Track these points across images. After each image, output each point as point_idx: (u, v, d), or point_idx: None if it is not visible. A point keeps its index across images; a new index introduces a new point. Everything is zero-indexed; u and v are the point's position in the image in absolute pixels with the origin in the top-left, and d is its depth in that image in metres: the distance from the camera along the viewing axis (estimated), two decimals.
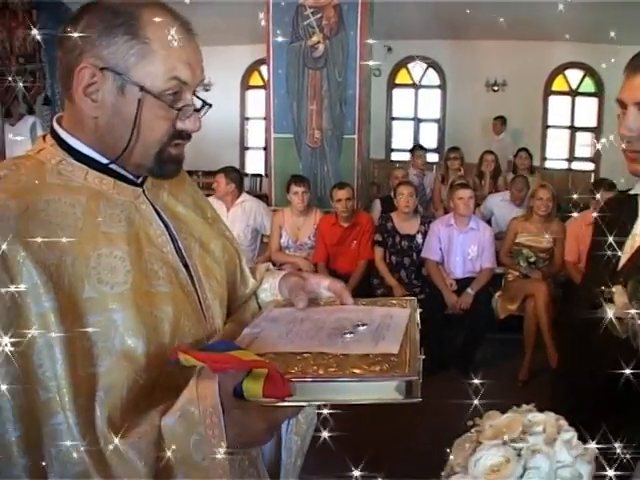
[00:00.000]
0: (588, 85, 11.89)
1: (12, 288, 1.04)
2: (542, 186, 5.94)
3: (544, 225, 5.76)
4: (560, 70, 11.79)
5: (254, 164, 12.63)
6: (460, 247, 5.78)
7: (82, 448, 1.04)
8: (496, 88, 11.61)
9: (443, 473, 1.05)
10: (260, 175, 11.99)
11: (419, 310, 1.42)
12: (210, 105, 1.30)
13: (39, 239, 1.09)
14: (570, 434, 1.00)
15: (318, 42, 6.70)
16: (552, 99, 11.98)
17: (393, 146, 12.51)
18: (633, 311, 1.54)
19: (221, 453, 1.06)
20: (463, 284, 5.68)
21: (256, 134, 12.58)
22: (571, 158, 12.09)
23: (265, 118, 7.51)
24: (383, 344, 1.19)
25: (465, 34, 10.67)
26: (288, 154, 6.96)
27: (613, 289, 1.62)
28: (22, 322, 1.05)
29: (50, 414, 1.05)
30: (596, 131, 11.79)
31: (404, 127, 12.60)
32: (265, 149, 11.75)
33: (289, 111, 6.90)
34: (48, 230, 1.11)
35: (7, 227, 1.06)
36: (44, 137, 1.28)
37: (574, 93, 12.01)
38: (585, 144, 12.11)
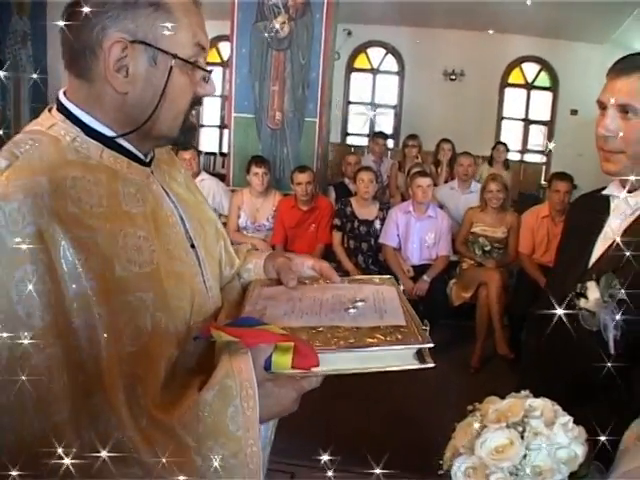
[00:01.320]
0: (543, 79, 12.09)
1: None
2: (493, 178, 6.02)
3: (499, 216, 5.88)
4: (517, 63, 11.95)
5: (208, 142, 12.51)
6: (417, 234, 5.87)
7: (126, 427, 1.06)
8: (453, 77, 11.70)
9: (446, 453, 1.11)
10: (214, 153, 11.90)
11: (401, 287, 1.50)
12: (211, 71, 1.31)
13: (72, 217, 1.08)
14: (566, 418, 1.07)
15: (283, 23, 6.65)
16: (508, 91, 12.15)
17: (349, 130, 12.53)
18: None
19: (255, 424, 1.12)
20: (419, 271, 5.77)
21: (211, 112, 12.45)
22: (524, 150, 12.30)
23: (223, 96, 7.43)
24: (388, 317, 1.27)
25: (426, 22, 10.73)
26: (248, 134, 6.92)
27: (587, 284, 1.70)
28: (61, 303, 1.04)
29: (90, 395, 1.05)
30: (549, 125, 12.06)
31: (361, 111, 12.59)
32: (220, 127, 11.68)
33: (250, 91, 6.85)
34: (79, 208, 1.10)
35: (42, 205, 1.04)
36: (49, 109, 1.26)
37: (529, 86, 12.20)
38: (538, 137, 12.34)
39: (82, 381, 1.05)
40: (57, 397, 1.02)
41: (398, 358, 1.17)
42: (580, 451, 1.04)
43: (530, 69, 12.13)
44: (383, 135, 8.88)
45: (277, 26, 6.60)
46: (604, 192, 1.87)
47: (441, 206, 6.39)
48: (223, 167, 7.89)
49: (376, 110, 12.51)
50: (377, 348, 1.16)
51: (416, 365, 1.16)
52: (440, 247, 5.86)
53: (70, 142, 1.20)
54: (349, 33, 11.20)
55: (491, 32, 10.14)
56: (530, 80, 12.19)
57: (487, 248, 5.86)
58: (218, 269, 1.51)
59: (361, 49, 12.22)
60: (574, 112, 11.23)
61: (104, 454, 1.03)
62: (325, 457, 1.29)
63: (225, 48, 9.30)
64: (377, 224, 5.99)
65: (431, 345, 1.16)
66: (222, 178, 7.02)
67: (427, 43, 11.27)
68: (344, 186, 7.30)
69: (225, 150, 7.09)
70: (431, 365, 1.15)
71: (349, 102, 12.48)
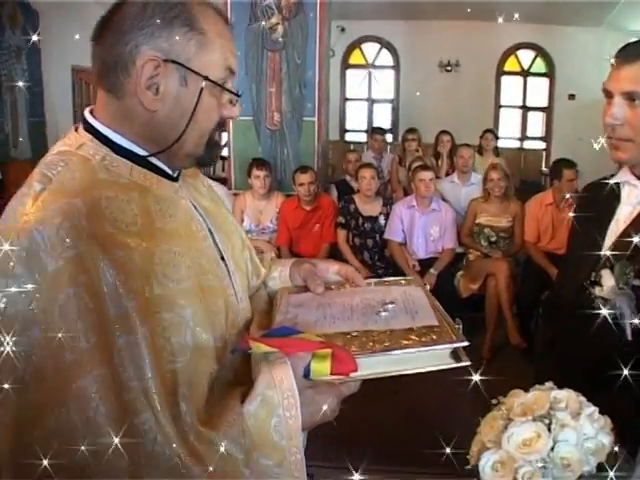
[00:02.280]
0: (539, 66, 12.05)
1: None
2: (493, 167, 6.03)
3: (502, 205, 5.88)
4: (512, 51, 11.91)
5: None
6: (422, 228, 5.87)
7: (174, 444, 1.05)
8: (449, 68, 11.68)
9: (473, 448, 1.11)
10: None
11: (427, 286, 1.51)
12: (240, 95, 1.32)
13: (110, 238, 1.09)
14: (592, 409, 1.07)
15: (277, 23, 6.64)
16: (504, 79, 12.12)
17: (347, 127, 12.50)
18: None
19: (298, 432, 1.13)
20: (426, 264, 5.78)
21: None
22: (523, 137, 12.29)
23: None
24: (420, 318, 1.29)
25: (418, 14, 10.72)
26: (247, 137, 6.91)
27: (601, 272, 1.70)
28: (104, 323, 1.04)
29: (135, 414, 1.04)
30: (547, 111, 12.03)
31: (358, 108, 12.57)
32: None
33: (248, 93, 6.83)
34: (115, 227, 1.11)
35: (79, 227, 1.05)
36: (76, 129, 1.27)
37: (526, 73, 12.16)
38: (537, 123, 12.31)
39: (127, 400, 1.04)
40: (106, 418, 1.02)
41: (435, 358, 1.18)
42: (607, 441, 1.04)
43: (526, 56, 12.09)
44: (381, 130, 8.85)
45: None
46: (614, 179, 1.87)
47: (443, 199, 6.38)
48: (223, 171, 7.87)
49: (373, 105, 12.49)
50: (413, 350, 1.17)
51: (453, 364, 1.18)
52: (445, 240, 5.86)
53: (100, 161, 1.20)
54: (342, 30, 11.16)
55: (500, 20, 10.09)
56: (526, 67, 12.15)
57: (493, 239, 5.86)
58: (246, 280, 1.52)
59: (355, 45, 12.20)
60: (572, 97, 11.22)
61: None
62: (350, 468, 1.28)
63: None
64: (381, 220, 5.99)
65: (466, 343, 1.18)
66: (223, 182, 7.01)
67: (421, 35, 11.27)
68: (346, 184, 7.29)
69: (225, 154, 7.06)
70: (467, 363, 1.18)
71: (346, 99, 12.46)
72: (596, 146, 1.75)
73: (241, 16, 6.66)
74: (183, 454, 1.06)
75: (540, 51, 11.88)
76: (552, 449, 1.01)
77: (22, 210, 1.08)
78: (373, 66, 12.44)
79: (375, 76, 12.43)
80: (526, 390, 1.18)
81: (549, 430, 1.03)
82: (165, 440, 1.05)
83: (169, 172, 1.31)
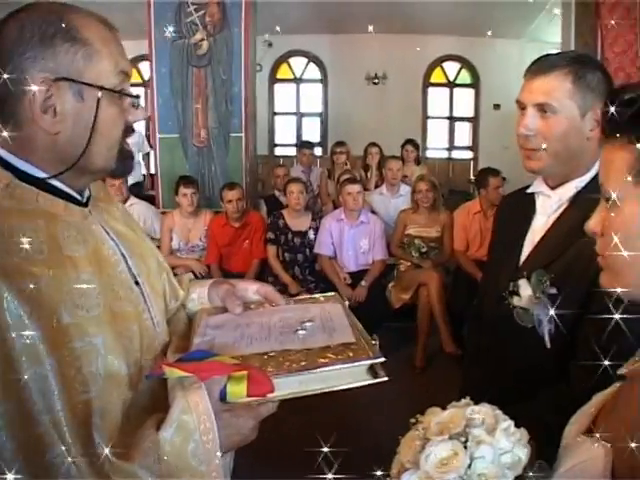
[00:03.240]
0: (464, 77, 12.36)
1: None
2: (421, 178, 6.12)
3: (431, 215, 5.96)
4: (437, 63, 12.17)
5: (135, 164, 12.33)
6: (352, 241, 5.89)
7: (88, 477, 1.02)
8: (376, 81, 11.83)
9: (393, 470, 1.10)
10: (143, 175, 11.74)
11: (346, 302, 1.52)
12: (138, 96, 1.29)
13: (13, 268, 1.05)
14: (507, 423, 1.07)
15: (202, 39, 6.61)
16: (431, 91, 12.35)
17: (276, 141, 12.51)
18: None
19: (216, 456, 1.11)
20: (357, 277, 5.80)
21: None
22: (451, 147, 12.53)
23: (147, 117, 7.33)
24: (337, 335, 1.29)
25: (345, 28, 10.84)
26: (174, 155, 6.84)
27: (519, 282, 1.73)
28: (9, 356, 1.00)
29: (46, 448, 1.01)
30: (474, 121, 12.31)
31: (287, 122, 12.61)
32: (147, 151, 11.51)
33: (174, 110, 6.77)
34: (19, 257, 1.07)
35: None
36: None
37: (452, 84, 12.44)
38: (464, 133, 12.57)
39: (38, 435, 1.00)
40: (14, 454, 0.99)
41: (351, 375, 1.19)
42: (523, 454, 1.04)
43: (451, 68, 12.37)
44: (309, 144, 8.90)
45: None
46: (529, 190, 1.92)
47: (373, 211, 6.43)
48: (152, 188, 7.76)
49: (302, 119, 12.54)
50: (329, 368, 1.17)
51: (370, 380, 1.19)
52: (375, 252, 5.89)
53: (4, 188, 1.16)
54: (270, 44, 11.20)
55: (489, 33, 10.21)
56: (452, 78, 12.44)
57: (424, 249, 5.92)
58: (163, 303, 1.49)
59: (283, 59, 12.26)
60: (497, 106, 11.48)
61: None
62: None
63: (145, 68, 9.18)
64: (311, 234, 5.99)
65: (382, 360, 1.18)
66: (151, 200, 6.92)
67: (348, 49, 11.40)
68: (275, 199, 7.29)
69: (153, 171, 6.98)
70: (384, 379, 1.18)
71: (274, 113, 12.47)
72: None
73: (165, 33, 6.60)
74: None
75: (465, 63, 12.18)
76: (469, 466, 1.01)
77: None
78: (301, 80, 12.49)
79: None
80: (457, 398, 1.18)
81: (465, 447, 1.02)
82: (79, 474, 1.02)
83: (77, 197, 1.27)
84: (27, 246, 1.09)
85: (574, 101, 1.68)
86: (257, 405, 1.17)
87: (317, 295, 1.65)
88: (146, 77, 9.56)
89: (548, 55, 1.77)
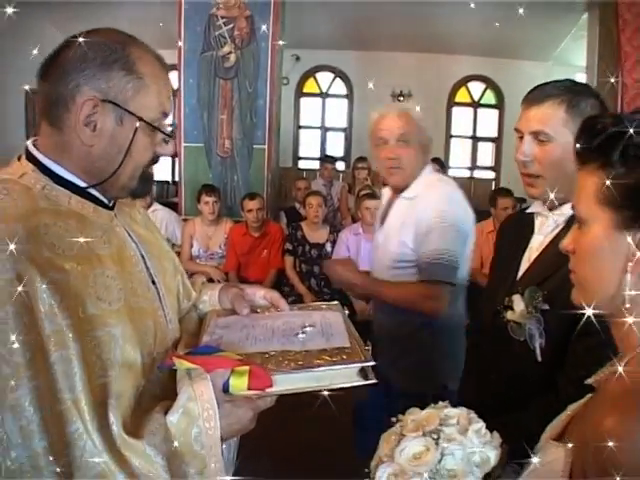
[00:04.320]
0: (489, 97, 12.39)
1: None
2: None
3: None
4: (463, 82, 12.21)
5: (160, 171, 12.51)
6: (368, 255, 5.95)
7: (102, 451, 1.13)
8: (402, 99, 11.84)
9: (372, 463, 1.19)
10: (167, 182, 11.90)
11: (346, 311, 1.63)
12: (171, 135, 1.44)
13: (48, 261, 1.18)
14: (479, 425, 1.16)
15: (230, 52, 6.76)
16: (455, 110, 12.39)
17: (300, 154, 12.62)
18: None
19: (217, 443, 1.23)
20: None
21: None
22: (473, 167, 12.55)
23: (173, 125, 7.46)
24: (334, 340, 1.40)
25: (372, 45, 10.93)
26: (198, 163, 6.99)
27: (513, 297, 1.82)
28: (40, 340, 1.12)
29: (67, 423, 1.12)
30: (497, 141, 12.33)
31: (311, 136, 12.73)
32: (172, 156, 11.70)
33: (199, 120, 6.93)
34: (52, 252, 1.20)
35: (19, 251, 1.13)
36: (19, 158, 1.36)
37: (476, 104, 12.47)
38: (487, 154, 12.59)
39: (60, 411, 1.12)
40: (39, 427, 1.11)
41: (344, 376, 1.29)
42: (493, 455, 1.13)
43: (476, 88, 12.40)
44: (331, 159, 9.04)
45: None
46: (528, 210, 1.99)
47: None
48: (176, 195, 7.92)
49: (326, 133, 12.63)
50: (324, 368, 1.27)
51: (360, 382, 1.29)
52: None
53: (40, 190, 1.30)
54: (297, 58, 11.31)
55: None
56: (476, 98, 12.46)
57: None
58: (176, 303, 1.62)
59: (310, 74, 12.35)
60: None
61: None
62: None
63: (174, 77, 9.37)
64: (328, 247, 6.08)
65: (372, 363, 1.28)
66: (174, 207, 7.05)
67: (374, 66, 11.43)
68: (295, 211, 7.41)
69: (177, 178, 7.13)
70: (373, 381, 1.27)
71: (299, 126, 12.57)
72: None
73: (194, 45, 6.79)
74: (109, 461, 1.14)
75: (490, 83, 12.19)
76: (440, 462, 1.10)
77: None
78: (327, 95, 12.60)
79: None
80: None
81: (437, 444, 1.11)
82: (93, 448, 1.13)
83: (105, 201, 1.41)
84: (59, 243, 1.23)
85: (568, 128, 1.75)
86: (257, 398, 1.27)
87: (319, 303, 1.77)
88: (175, 87, 9.75)
89: (544, 84, 1.86)
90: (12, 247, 1.12)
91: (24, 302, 1.11)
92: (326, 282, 6.05)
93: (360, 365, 1.30)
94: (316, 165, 11.78)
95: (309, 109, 12.65)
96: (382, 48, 11.06)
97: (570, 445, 1.06)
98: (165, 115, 1.39)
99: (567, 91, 1.80)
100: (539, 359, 1.74)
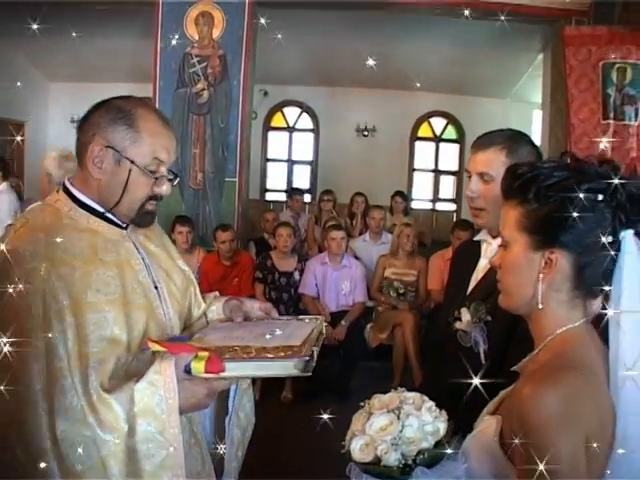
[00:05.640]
0: (450, 132, 12.79)
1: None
2: (407, 225, 6.64)
3: (409, 261, 6.44)
4: (425, 118, 12.59)
5: None
6: (334, 283, 6.30)
7: (82, 400, 1.53)
8: (366, 133, 12.19)
9: (347, 438, 1.50)
10: None
11: (324, 324, 1.94)
12: (178, 175, 1.87)
13: (59, 259, 1.61)
14: (430, 403, 1.49)
15: (203, 89, 7.06)
16: (418, 144, 12.76)
17: (268, 186, 12.84)
18: None
19: (176, 411, 1.57)
20: (338, 317, 6.18)
21: None
22: (435, 199, 12.93)
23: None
24: (290, 340, 1.67)
25: (338, 82, 11.25)
26: (171, 195, 7.09)
27: (461, 310, 2.14)
28: (47, 314, 1.54)
29: (61, 376, 1.52)
30: (458, 174, 12.70)
31: (278, 168, 12.97)
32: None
33: None
34: (65, 253, 1.63)
35: (40, 252, 1.58)
36: (57, 191, 1.80)
37: (438, 139, 12.86)
38: (448, 186, 12.99)
39: (57, 367, 1.52)
40: (41, 375, 1.50)
41: (283, 368, 1.57)
42: (442, 426, 1.45)
43: (438, 123, 12.78)
44: (299, 191, 9.37)
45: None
46: (476, 238, 2.32)
47: (356, 257, 6.83)
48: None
49: (293, 166, 12.90)
50: (266, 359, 1.55)
51: (295, 374, 1.55)
52: (356, 294, 6.32)
53: (67, 212, 1.74)
54: (265, 93, 11.51)
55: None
56: (438, 133, 12.84)
57: (401, 291, 6.37)
58: (180, 307, 1.96)
59: (277, 108, 12.59)
60: None
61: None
62: None
63: None
64: (296, 275, 6.41)
65: (306, 359, 1.54)
66: None
67: (340, 101, 11.74)
68: (264, 241, 7.68)
69: None
70: (308, 374, 1.55)
71: (267, 159, 12.79)
72: None
73: (169, 82, 7.10)
74: (85, 406, 1.52)
75: (451, 119, 12.60)
76: (401, 432, 1.42)
77: (7, 239, 1.62)
78: (294, 129, 12.88)
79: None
80: None
81: (398, 418, 1.43)
82: (77, 395, 1.52)
83: (119, 222, 1.80)
84: (72, 248, 1.64)
85: None
86: (212, 380, 1.59)
87: (305, 317, 2.07)
88: None
89: (488, 133, 2.17)
90: (34, 247, 1.58)
91: (37, 286, 1.53)
92: (294, 308, 6.34)
93: (295, 360, 1.55)
94: (282, 197, 12.05)
95: (276, 143, 12.89)
96: (347, 84, 11.34)
97: (499, 416, 1.39)
98: (161, 162, 1.74)
99: (508, 139, 2.11)
100: (483, 362, 2.01)
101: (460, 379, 2.06)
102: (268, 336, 1.71)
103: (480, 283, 2.19)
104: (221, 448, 1.93)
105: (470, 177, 2.16)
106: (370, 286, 6.52)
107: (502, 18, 4.93)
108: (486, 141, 2.13)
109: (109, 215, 1.77)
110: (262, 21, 6.08)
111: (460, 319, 2.12)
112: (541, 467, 1.21)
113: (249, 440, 2.05)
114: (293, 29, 7.09)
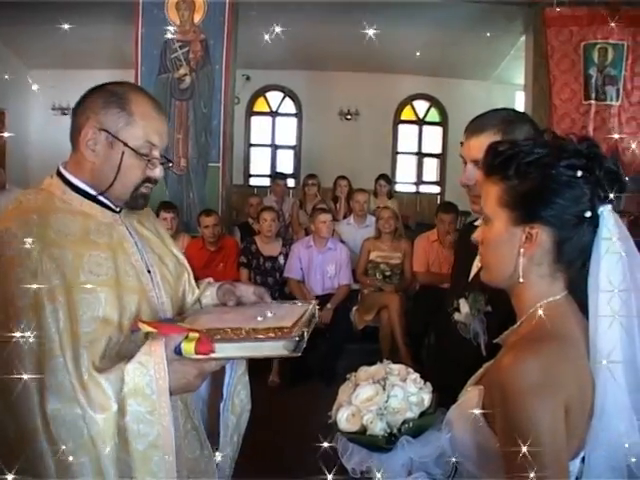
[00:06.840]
0: (433, 115, 12.78)
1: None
2: (384, 207, 6.75)
3: (393, 243, 6.48)
4: (408, 101, 12.56)
5: None
6: (319, 266, 6.32)
7: (73, 379, 1.53)
8: (349, 117, 12.16)
9: (333, 409, 1.53)
10: None
11: (317, 307, 1.93)
12: (171, 161, 1.86)
13: (51, 240, 1.62)
14: (415, 375, 1.52)
15: (185, 75, 7.05)
16: (401, 127, 12.73)
17: (251, 172, 12.80)
18: None
19: (166, 392, 1.57)
20: (323, 300, 6.13)
21: None
22: (419, 182, 12.92)
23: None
24: (281, 322, 1.68)
25: (320, 65, 11.20)
26: None
27: (459, 301, 2.10)
28: (38, 294, 1.53)
29: (51, 356, 1.52)
30: (441, 157, 12.74)
31: (262, 153, 12.93)
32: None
33: None
34: (58, 235, 1.65)
35: (31, 232, 1.58)
36: (52, 175, 1.80)
37: (421, 122, 12.84)
38: (432, 169, 12.97)
39: (49, 348, 1.52)
40: (32, 356, 1.51)
41: (272, 348, 1.56)
42: (427, 397, 1.49)
43: (421, 106, 12.75)
44: (283, 176, 9.37)
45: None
46: (476, 223, 2.21)
47: (341, 240, 6.87)
48: None
49: (277, 151, 12.89)
50: (257, 340, 1.55)
51: (285, 354, 1.55)
52: (341, 277, 6.35)
53: (60, 195, 1.75)
54: (248, 78, 11.41)
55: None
56: (421, 116, 12.80)
57: (387, 273, 6.41)
58: (173, 292, 1.97)
59: (260, 93, 12.54)
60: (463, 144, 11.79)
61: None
62: None
63: None
64: (281, 259, 6.44)
65: (296, 339, 1.54)
66: None
67: (322, 85, 11.68)
68: (248, 226, 7.72)
69: None
70: (297, 355, 1.54)
71: (250, 144, 12.73)
72: None
73: (151, 68, 7.08)
74: (76, 384, 1.52)
75: (434, 102, 12.58)
76: (386, 402, 1.45)
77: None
78: (277, 113, 12.84)
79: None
80: None
81: (384, 389, 1.46)
82: (68, 374, 1.52)
83: (111, 206, 1.82)
84: (64, 229, 1.66)
85: None
86: (202, 361, 1.59)
87: (298, 301, 2.09)
88: None
89: (483, 114, 2.07)
90: (25, 227, 1.58)
91: (29, 267, 1.53)
92: (280, 292, 6.37)
93: (283, 341, 1.54)
94: (266, 182, 11.99)
95: (259, 127, 12.83)
96: (330, 68, 11.31)
97: (482, 387, 1.43)
98: (153, 145, 1.77)
99: (502, 121, 1.99)
100: (484, 354, 1.92)
101: (463, 371, 2.04)
102: (259, 318, 1.72)
103: (480, 271, 2.14)
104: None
105: (465, 164, 2.08)
106: (355, 269, 6.55)
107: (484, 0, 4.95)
108: (479, 125, 2.04)
109: (102, 198, 1.79)
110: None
111: (458, 310, 2.09)
112: (522, 439, 1.24)
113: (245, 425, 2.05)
114: (276, 14, 7.05)
